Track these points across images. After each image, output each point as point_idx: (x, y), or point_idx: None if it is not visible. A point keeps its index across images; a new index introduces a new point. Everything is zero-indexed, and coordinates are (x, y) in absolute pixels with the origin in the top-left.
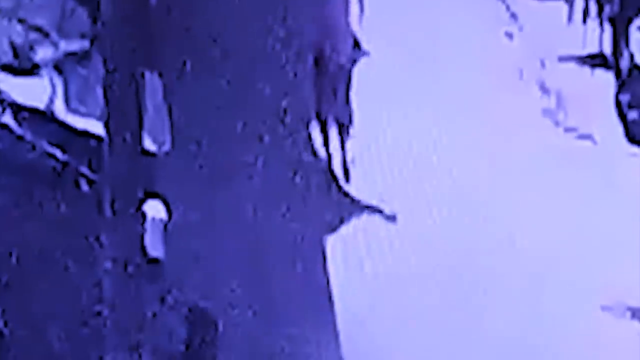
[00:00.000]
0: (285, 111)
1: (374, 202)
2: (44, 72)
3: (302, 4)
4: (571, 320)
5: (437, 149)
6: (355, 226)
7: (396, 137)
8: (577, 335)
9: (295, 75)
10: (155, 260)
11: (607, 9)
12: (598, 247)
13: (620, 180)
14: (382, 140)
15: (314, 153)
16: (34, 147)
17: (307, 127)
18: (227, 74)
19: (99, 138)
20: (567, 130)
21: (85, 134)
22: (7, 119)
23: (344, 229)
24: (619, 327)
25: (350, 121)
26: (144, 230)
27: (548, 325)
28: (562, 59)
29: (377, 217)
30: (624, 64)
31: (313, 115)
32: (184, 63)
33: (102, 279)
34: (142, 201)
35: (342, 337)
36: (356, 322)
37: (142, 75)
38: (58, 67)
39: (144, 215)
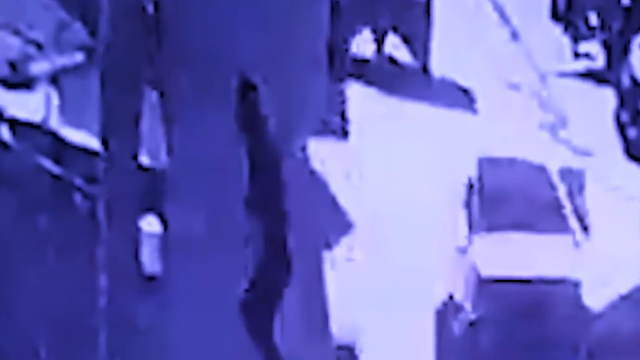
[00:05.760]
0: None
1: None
2: (39, 85)
3: None
4: None
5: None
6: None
7: (395, 147)
8: None
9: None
10: (152, 278)
11: (608, 25)
12: None
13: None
14: (383, 153)
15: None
16: (29, 161)
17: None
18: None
19: (95, 152)
20: (565, 143)
21: (81, 149)
22: (4, 132)
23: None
24: None
25: None
26: (140, 245)
27: None
28: (562, 74)
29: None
30: (625, 80)
31: None
32: (181, 79)
33: (98, 294)
34: (139, 216)
35: None
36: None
37: (140, 89)
38: (54, 81)
39: (139, 231)
